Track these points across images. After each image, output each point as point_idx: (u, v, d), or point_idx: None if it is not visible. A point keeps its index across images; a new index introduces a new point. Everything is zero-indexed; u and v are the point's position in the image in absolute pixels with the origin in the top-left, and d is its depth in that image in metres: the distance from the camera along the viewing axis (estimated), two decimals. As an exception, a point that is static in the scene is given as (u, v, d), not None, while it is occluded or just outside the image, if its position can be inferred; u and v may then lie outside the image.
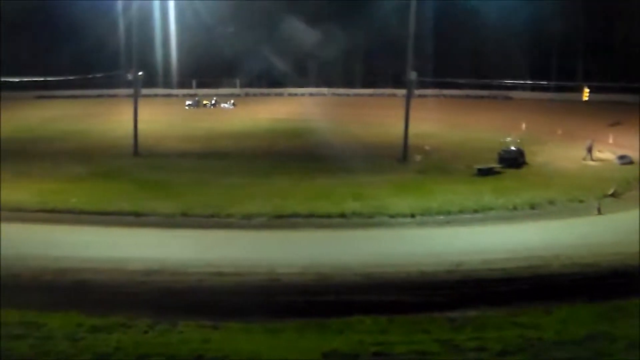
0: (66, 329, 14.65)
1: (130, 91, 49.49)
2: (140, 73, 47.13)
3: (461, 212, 26.26)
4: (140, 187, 31.73)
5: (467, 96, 76.21)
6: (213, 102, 76.21)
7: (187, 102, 75.10)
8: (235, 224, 25.22)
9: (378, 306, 16.56)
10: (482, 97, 75.31)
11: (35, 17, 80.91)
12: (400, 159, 38.73)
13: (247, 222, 25.35)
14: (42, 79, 75.73)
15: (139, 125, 43.57)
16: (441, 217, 25.90)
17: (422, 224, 25.05)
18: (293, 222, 25.35)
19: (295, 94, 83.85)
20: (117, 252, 21.26)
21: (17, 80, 73.24)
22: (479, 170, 34.49)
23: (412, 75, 41.43)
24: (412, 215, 25.83)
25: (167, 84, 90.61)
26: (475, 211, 26.73)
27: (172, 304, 17.08)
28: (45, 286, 18.59)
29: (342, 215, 25.82)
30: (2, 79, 72.23)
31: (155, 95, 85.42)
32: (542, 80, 66.38)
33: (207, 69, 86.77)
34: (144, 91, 58.29)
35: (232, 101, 76.07)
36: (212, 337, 14.43)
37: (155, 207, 27.26)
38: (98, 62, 71.02)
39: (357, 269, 19.44)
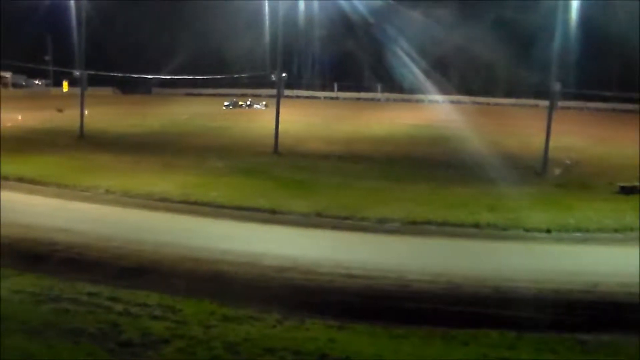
0: (199, 316, 15.20)
1: (274, 92, 50.74)
2: (283, 75, 48.23)
3: (600, 230, 24.83)
4: (278, 185, 32.40)
5: (614, 109, 72.84)
6: (248, 103, 79.06)
7: (225, 103, 78.40)
8: (369, 227, 25.13)
9: (507, 321, 16.06)
10: (629, 111, 71.55)
11: (185, 17, 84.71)
12: (539, 171, 37.32)
13: (381, 226, 25.20)
14: (191, 77, 79.15)
15: (280, 125, 44.59)
16: (578, 235, 24.61)
17: (558, 240, 23.92)
18: (426, 229, 24.94)
19: (436, 101, 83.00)
20: (252, 247, 21.75)
21: (168, 77, 77.20)
22: (622, 187, 32.49)
23: (556, 86, 39.89)
24: (548, 231, 24.73)
25: (309, 86, 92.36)
26: (615, 231, 25.17)
27: (301, 302, 17.28)
28: (183, 274, 19.37)
29: (476, 226, 25.14)
30: (155, 77, 76.38)
31: (297, 97, 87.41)
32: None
33: (349, 73, 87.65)
34: (287, 92, 59.71)
35: (264, 102, 76.98)
36: (337, 337, 14.49)
37: (291, 205, 27.67)
38: (247, 62, 73.40)
39: (488, 281, 18.90)
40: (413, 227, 25.13)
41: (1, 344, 12.37)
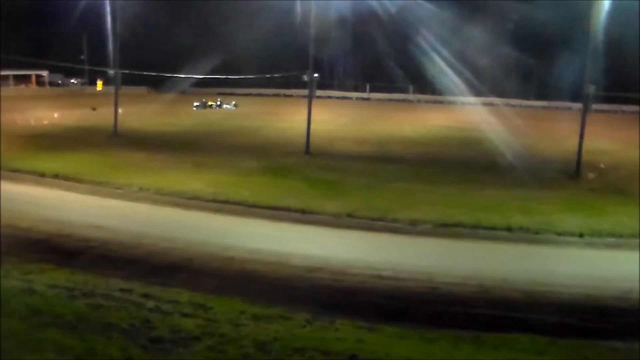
0: (230, 314, 15.28)
1: (305, 92, 50.83)
2: (315, 75, 48.29)
3: (633, 236, 24.39)
4: (309, 186, 32.47)
5: (649, 113, 71.58)
6: (218, 103, 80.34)
7: (195, 104, 78.97)
8: (400, 229, 25.07)
9: (538, 326, 15.89)
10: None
11: (219, 18, 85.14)
12: (572, 175, 36.89)
13: (412, 228, 25.13)
14: (224, 77, 79.49)
15: (312, 126, 44.66)
16: (612, 240, 24.26)
17: (590, 245, 23.61)
18: (458, 231, 24.81)
19: (468, 103, 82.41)
20: (282, 247, 21.85)
21: (201, 77, 77.70)
22: (657, 192, 32.04)
23: (590, 89, 39.39)
24: (581, 235, 24.44)
25: (341, 87, 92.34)
26: (650, 236, 24.84)
27: (331, 302, 17.30)
28: (214, 272, 19.52)
29: (508, 229, 24.94)
30: (188, 76, 77.01)
31: (329, 97, 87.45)
32: None
33: (381, 74, 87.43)
34: (319, 93, 59.80)
35: (233, 102, 79.60)
36: (367, 338, 14.47)
37: (322, 206, 27.72)
38: (280, 63, 73.43)
39: (519, 285, 18.76)
40: (444, 229, 25.03)
41: (37, 337, 12.58)
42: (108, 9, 67.83)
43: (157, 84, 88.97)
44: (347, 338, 14.29)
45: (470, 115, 69.05)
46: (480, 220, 25.75)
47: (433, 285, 18.71)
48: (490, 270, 19.97)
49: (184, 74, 77.33)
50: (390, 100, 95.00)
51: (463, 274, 19.54)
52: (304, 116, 45.53)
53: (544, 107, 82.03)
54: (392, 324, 15.60)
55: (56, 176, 33.42)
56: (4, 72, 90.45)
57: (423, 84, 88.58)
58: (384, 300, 17.80)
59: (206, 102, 79.90)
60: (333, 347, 13.59)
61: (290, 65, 63.73)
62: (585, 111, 38.89)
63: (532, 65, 78.60)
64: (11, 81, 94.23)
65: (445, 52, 74.81)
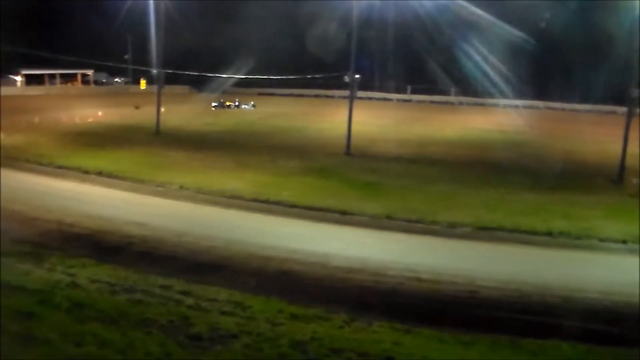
0: (268, 313, 15.34)
1: (347, 93, 50.82)
2: (357, 76, 48.25)
3: (678, 244, 23.87)
4: (349, 187, 32.44)
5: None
6: (236, 103, 79.72)
7: (213, 104, 78.32)
8: (439, 231, 24.89)
9: (577, 333, 15.63)
10: None
11: (261, 18, 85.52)
12: (614, 180, 36.23)
13: (451, 230, 24.95)
14: (265, 77, 79.87)
15: (353, 127, 44.63)
16: (656, 247, 23.75)
17: (633, 252, 23.07)
18: (497, 235, 24.51)
19: (510, 106, 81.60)
20: (321, 247, 21.84)
21: (243, 77, 78.23)
22: None
23: (635, 93, 38.65)
24: (624, 242, 23.93)
25: (382, 88, 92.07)
26: (696, 245, 24.19)
27: (369, 303, 17.25)
28: (253, 271, 19.61)
29: (549, 234, 24.57)
30: (230, 76, 77.61)
31: (370, 99, 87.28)
32: None
33: (423, 76, 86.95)
34: (360, 94, 59.76)
35: (252, 103, 79.01)
36: (404, 340, 14.41)
37: (362, 207, 27.66)
38: (322, 63, 73.51)
39: (559, 291, 18.44)
40: (484, 232, 24.77)
41: (79, 330, 12.79)
42: (152, 9, 68.76)
43: (198, 84, 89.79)
44: (384, 340, 14.25)
45: (512, 118, 68.40)
46: (520, 224, 25.44)
47: (472, 288, 18.53)
48: (530, 275, 19.70)
49: (225, 74, 77.96)
50: (431, 102, 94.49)
51: (502, 278, 19.32)
52: (345, 117, 45.51)
53: (587, 111, 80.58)
54: (429, 327, 15.50)
55: (99, 173, 33.97)
56: (51, 71, 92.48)
57: (465, 86, 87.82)
58: (422, 302, 17.69)
59: (224, 102, 79.86)
60: (370, 348, 13.57)
61: (332, 66, 63.82)
62: (629, 115, 38.18)
63: (576, 68, 77.22)
64: (58, 80, 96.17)
65: (487, 54, 74.13)
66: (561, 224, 25.66)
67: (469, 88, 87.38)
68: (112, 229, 23.42)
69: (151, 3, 68.61)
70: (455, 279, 19.19)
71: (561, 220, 26.25)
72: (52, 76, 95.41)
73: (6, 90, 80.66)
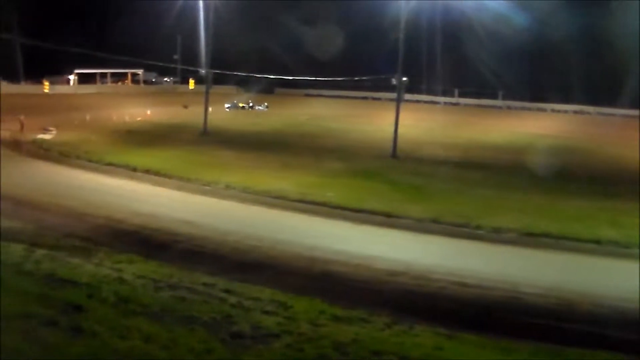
0: (310, 314, 15.34)
1: (394, 95, 50.65)
2: (404, 79, 48.08)
3: None
4: (394, 189, 32.34)
5: None
6: (250, 104, 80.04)
7: (226, 105, 78.44)
8: (484, 236, 24.60)
9: (625, 345, 15.13)
10: None
11: (309, 19, 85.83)
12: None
13: (496, 236, 24.63)
14: (312, 78, 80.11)
15: (399, 129, 44.48)
16: None
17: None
18: (543, 241, 24.08)
19: (559, 111, 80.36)
20: (365, 249, 21.79)
21: (290, 78, 78.60)
22: None
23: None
24: (676, 253, 23.34)
25: (430, 91, 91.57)
26: None
27: (412, 307, 17.14)
28: (297, 271, 19.67)
29: (596, 242, 24.00)
30: (277, 77, 78.06)
31: (417, 101, 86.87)
32: None
33: (471, 79, 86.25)
34: (407, 97, 59.52)
35: (265, 104, 79.16)
36: (445, 345, 14.27)
37: (406, 210, 27.51)
38: (369, 65, 73.46)
39: (605, 300, 17.96)
40: (529, 238, 24.40)
41: (125, 324, 13.01)
42: (201, 10, 69.57)
43: (246, 84, 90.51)
44: (425, 344, 14.14)
45: (561, 123, 67.40)
46: (566, 230, 24.97)
47: (515, 295, 18.24)
48: (576, 283, 19.31)
49: (273, 75, 78.41)
50: (478, 105, 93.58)
51: (547, 285, 18.97)
52: (392, 119, 45.40)
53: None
54: (472, 332, 15.33)
55: (147, 171, 34.49)
56: (103, 70, 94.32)
57: (513, 90, 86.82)
58: (465, 307, 17.51)
59: (237, 103, 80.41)
60: (411, 352, 13.48)
61: (380, 69, 63.68)
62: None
63: (628, 73, 75.61)
64: (109, 79, 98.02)
65: (536, 58, 73.17)
66: (609, 232, 25.08)
67: (517, 92, 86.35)
68: (158, 226, 23.75)
69: (201, 4, 69.51)
70: (499, 284, 18.93)
71: (609, 229, 25.66)
72: (104, 75, 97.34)
73: (61, 89, 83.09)
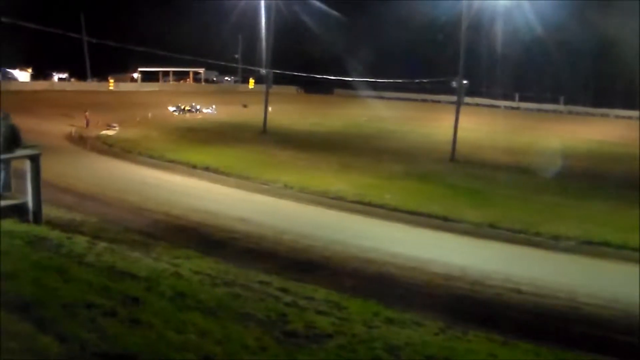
0: (364, 315, 15.29)
1: (454, 98, 50.22)
2: (465, 82, 47.65)
3: None
4: (452, 193, 32.06)
5: None
6: (197, 107, 76.12)
7: (170, 108, 74.26)
8: (543, 243, 24.17)
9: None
10: None
11: (371, 21, 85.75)
12: None
13: (555, 243, 24.16)
14: (372, 80, 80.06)
15: (459, 133, 44.05)
16: None
17: None
18: (603, 251, 23.46)
19: (623, 117, 78.28)
20: (421, 252, 21.65)
21: (350, 79, 78.69)
22: None
23: None
24: None
25: (490, 95, 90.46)
26: None
27: (466, 312, 16.97)
28: (352, 272, 19.66)
29: (661, 254, 23.39)
30: (337, 78, 78.17)
31: (477, 105, 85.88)
32: None
33: (532, 83, 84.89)
34: (467, 100, 58.94)
35: (213, 106, 75.55)
36: (499, 353, 14.03)
37: (464, 214, 27.24)
38: (430, 68, 73.03)
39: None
40: (589, 247, 23.83)
41: (180, 319, 13.21)
42: (263, 10, 70.18)
43: (306, 85, 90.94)
44: (479, 350, 13.95)
45: (625, 129, 65.66)
46: (628, 240, 24.27)
47: (574, 304, 17.85)
48: (636, 294, 18.82)
49: (333, 76, 78.58)
50: (539, 110, 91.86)
51: (607, 296, 18.49)
52: (451, 123, 45.01)
53: None
54: (527, 340, 15.08)
55: (206, 168, 35.00)
56: (165, 69, 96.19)
57: (575, 95, 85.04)
58: (521, 314, 17.23)
59: (182, 107, 75.79)
60: (464, 358, 13.33)
61: (441, 71, 63.23)
62: None
63: None
64: (171, 77, 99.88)
65: (599, 63, 71.50)
66: (672, 243, 24.35)
67: (579, 97, 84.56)
68: (216, 223, 24.06)
69: (262, 3, 70.13)
70: (556, 293, 18.55)
71: (672, 239, 24.91)
72: (166, 73, 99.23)
73: (125, 86, 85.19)
